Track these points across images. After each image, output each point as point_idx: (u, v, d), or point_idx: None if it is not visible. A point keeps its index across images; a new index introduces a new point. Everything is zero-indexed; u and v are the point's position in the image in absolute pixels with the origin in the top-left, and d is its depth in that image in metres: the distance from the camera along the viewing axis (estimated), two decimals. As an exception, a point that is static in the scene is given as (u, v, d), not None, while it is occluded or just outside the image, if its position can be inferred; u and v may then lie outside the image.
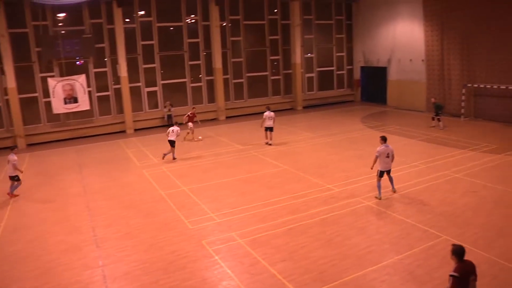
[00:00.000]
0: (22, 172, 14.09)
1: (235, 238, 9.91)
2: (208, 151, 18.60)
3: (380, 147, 11.91)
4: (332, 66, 31.95)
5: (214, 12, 25.81)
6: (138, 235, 10.42)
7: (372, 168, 12.21)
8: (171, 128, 17.17)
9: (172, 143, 17.04)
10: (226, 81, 27.46)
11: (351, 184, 13.35)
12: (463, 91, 23.09)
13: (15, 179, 13.63)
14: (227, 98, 27.58)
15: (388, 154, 11.87)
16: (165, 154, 17.26)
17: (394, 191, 12.37)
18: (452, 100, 24.25)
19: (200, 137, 21.07)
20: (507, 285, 7.58)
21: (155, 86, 25.62)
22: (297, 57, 29.16)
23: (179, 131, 17.24)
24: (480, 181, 13.03)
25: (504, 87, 21.16)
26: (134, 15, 24.41)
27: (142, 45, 24.82)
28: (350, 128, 22.06)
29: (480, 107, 23.09)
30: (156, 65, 25.42)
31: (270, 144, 18.99)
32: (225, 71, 27.26)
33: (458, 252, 5.59)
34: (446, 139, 18.74)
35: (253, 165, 16.08)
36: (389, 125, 22.21)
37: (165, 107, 25.05)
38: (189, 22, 26.26)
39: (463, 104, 23.16)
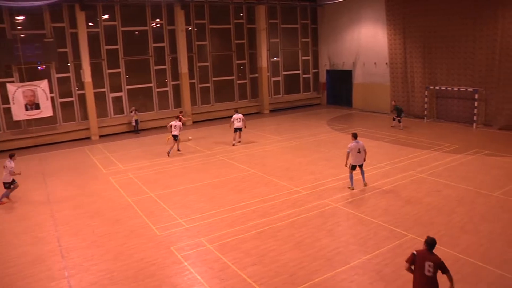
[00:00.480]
0: (19, 173, 13.69)
1: (204, 243, 9.83)
2: (176, 156, 18.41)
3: (351, 143, 12.70)
4: (298, 70, 32.33)
5: (180, 16, 25.67)
6: (105, 243, 10.18)
7: (346, 165, 12.93)
8: (172, 123, 18.39)
9: (175, 137, 18.36)
10: (192, 86, 27.30)
11: (319, 186, 13.50)
12: (426, 93, 23.79)
13: (6, 186, 13.40)
14: (193, 102, 27.46)
15: (359, 149, 12.64)
16: (168, 152, 18.36)
17: (365, 184, 13.01)
18: (416, 102, 24.93)
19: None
20: (469, 279, 7.81)
21: (120, 91, 25.19)
22: (263, 61, 29.32)
23: (181, 125, 18.69)
24: (443, 180, 13.44)
25: (463, 89, 21.94)
26: (98, 19, 23.93)
27: (107, 49, 24.36)
28: (317, 131, 22.32)
29: (442, 109, 23.83)
30: (121, 70, 24.99)
31: (239, 142, 19.87)
32: (191, 76, 27.10)
33: (427, 241, 6.30)
34: (411, 140, 19.24)
35: (222, 170, 16.03)
36: (355, 127, 22.56)
37: (131, 112, 24.69)
38: (154, 26, 25.99)
39: (426, 106, 23.86)
